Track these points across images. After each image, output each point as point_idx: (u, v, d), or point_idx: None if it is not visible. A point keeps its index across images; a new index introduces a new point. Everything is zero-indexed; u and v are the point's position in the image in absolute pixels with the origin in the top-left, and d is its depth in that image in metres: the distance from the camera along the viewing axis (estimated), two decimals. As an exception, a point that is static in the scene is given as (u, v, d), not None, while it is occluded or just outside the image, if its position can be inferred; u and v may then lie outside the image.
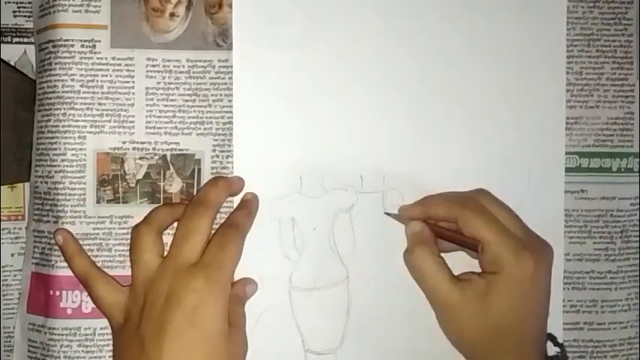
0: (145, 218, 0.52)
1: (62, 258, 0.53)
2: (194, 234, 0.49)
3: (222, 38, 0.54)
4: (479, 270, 0.50)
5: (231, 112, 0.54)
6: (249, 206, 0.53)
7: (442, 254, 0.51)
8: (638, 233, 0.56)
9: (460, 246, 0.51)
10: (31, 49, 0.57)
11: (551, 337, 0.53)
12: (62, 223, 0.53)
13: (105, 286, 0.51)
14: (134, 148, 0.54)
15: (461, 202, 0.51)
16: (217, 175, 0.54)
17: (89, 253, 0.53)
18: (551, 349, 0.53)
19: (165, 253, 0.50)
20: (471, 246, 0.49)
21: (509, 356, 0.49)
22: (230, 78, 0.54)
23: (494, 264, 0.48)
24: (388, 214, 0.54)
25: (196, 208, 0.50)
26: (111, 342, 0.53)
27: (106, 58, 0.54)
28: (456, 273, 0.50)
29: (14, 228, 0.57)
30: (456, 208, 0.50)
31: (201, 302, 0.46)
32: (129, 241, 0.51)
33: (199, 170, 0.54)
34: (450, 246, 0.51)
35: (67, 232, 0.53)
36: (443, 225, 0.52)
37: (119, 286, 0.51)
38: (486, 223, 0.49)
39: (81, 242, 0.53)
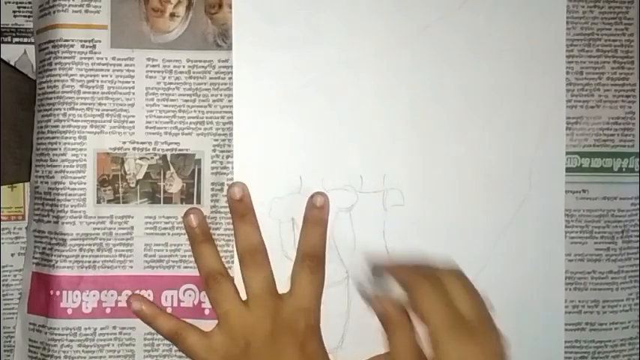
0: (214, 268, 0.53)
1: (62, 258, 0.53)
2: (267, 286, 0.52)
3: (222, 38, 0.54)
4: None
5: (231, 112, 0.54)
6: (323, 220, 0.54)
7: None
8: (639, 233, 0.56)
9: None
10: (31, 49, 0.57)
11: None
12: (62, 223, 0.53)
13: (195, 333, 0.52)
14: (134, 148, 0.54)
15: (417, 278, 0.50)
16: (241, 210, 0.53)
17: (89, 253, 0.54)
18: None
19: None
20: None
21: None
22: (230, 78, 0.54)
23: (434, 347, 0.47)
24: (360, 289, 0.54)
25: (255, 258, 0.53)
26: (110, 342, 0.53)
27: (106, 58, 0.54)
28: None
29: (14, 228, 0.57)
30: (413, 280, 0.49)
31: (307, 340, 0.51)
32: (207, 288, 0.53)
33: (199, 170, 0.54)
34: None
35: (141, 296, 0.54)
36: None
37: (203, 331, 0.52)
38: (434, 303, 0.48)
39: (81, 242, 0.53)
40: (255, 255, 0.53)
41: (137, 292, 0.54)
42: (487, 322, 0.49)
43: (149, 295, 0.53)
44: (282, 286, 0.53)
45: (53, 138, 0.54)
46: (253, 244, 0.53)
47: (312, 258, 0.53)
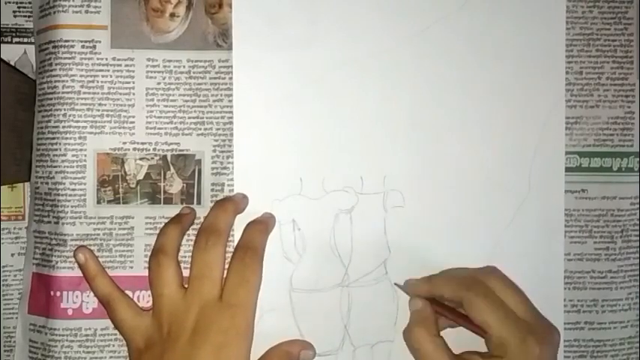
0: (161, 247, 0.51)
1: (63, 259, 0.53)
2: (212, 268, 0.49)
3: (222, 38, 0.54)
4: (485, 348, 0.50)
5: (231, 112, 0.54)
6: (266, 222, 0.53)
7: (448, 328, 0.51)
8: (638, 232, 0.56)
9: (465, 328, 0.50)
10: (31, 49, 0.57)
11: None
12: (63, 223, 0.53)
13: (127, 309, 0.51)
14: (134, 149, 0.54)
15: (466, 283, 0.50)
16: (224, 197, 0.54)
17: (89, 254, 0.54)
18: None
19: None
20: (476, 329, 0.49)
21: None
22: (230, 78, 0.54)
23: (499, 348, 0.48)
24: (397, 285, 0.53)
25: (209, 238, 0.50)
26: (111, 343, 0.53)
27: (107, 59, 0.54)
28: (462, 347, 0.50)
29: (14, 228, 0.57)
30: (461, 290, 0.49)
31: (226, 342, 0.48)
32: (147, 268, 0.51)
33: (200, 171, 0.54)
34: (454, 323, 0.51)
35: (89, 250, 0.53)
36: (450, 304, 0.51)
37: (140, 309, 0.51)
38: (491, 307, 0.48)
39: (81, 243, 0.53)
40: (217, 239, 0.50)
41: (137, 291, 0.54)
42: (540, 318, 0.50)
43: (149, 295, 0.53)
44: (281, 287, 0.53)
45: (53, 138, 0.54)
46: (220, 228, 0.51)
47: (246, 250, 0.50)
